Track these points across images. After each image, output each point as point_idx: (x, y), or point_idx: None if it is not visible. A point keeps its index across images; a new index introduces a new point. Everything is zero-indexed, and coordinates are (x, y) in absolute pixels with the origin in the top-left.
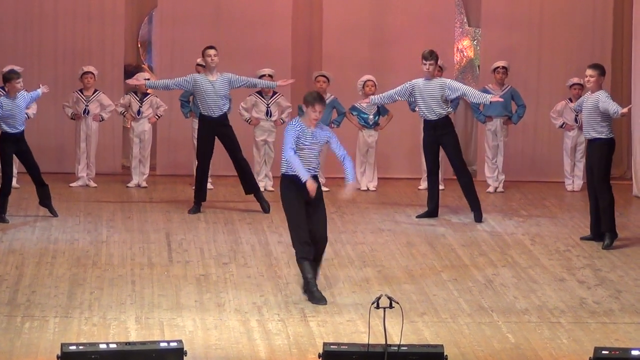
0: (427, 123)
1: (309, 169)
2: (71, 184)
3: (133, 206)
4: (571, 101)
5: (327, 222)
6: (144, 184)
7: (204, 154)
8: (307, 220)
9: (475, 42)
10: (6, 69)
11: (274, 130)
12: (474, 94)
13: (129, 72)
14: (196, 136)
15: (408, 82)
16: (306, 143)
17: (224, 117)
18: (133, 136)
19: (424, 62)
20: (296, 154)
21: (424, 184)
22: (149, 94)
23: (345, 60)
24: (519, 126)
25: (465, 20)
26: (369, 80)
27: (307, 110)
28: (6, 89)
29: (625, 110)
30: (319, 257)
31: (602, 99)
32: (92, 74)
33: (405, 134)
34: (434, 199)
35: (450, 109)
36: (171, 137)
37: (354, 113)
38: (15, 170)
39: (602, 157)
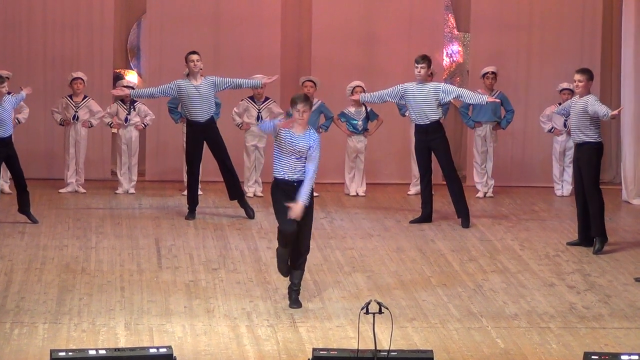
0: (418, 127)
1: (290, 175)
2: (60, 190)
3: (122, 212)
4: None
5: (311, 232)
6: (132, 190)
7: (192, 160)
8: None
9: (464, 47)
10: None
11: (264, 135)
12: (469, 95)
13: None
14: (185, 142)
15: (400, 85)
16: (285, 148)
17: (211, 121)
18: (121, 143)
19: (416, 65)
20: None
21: (413, 189)
22: (136, 101)
23: (334, 65)
24: (508, 131)
25: (454, 25)
26: (357, 86)
27: (292, 111)
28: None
29: (615, 112)
30: (297, 265)
31: (591, 102)
32: (82, 79)
33: (394, 140)
34: (429, 204)
35: (442, 114)
36: (160, 143)
37: (343, 119)
38: (8, 175)
39: (591, 161)
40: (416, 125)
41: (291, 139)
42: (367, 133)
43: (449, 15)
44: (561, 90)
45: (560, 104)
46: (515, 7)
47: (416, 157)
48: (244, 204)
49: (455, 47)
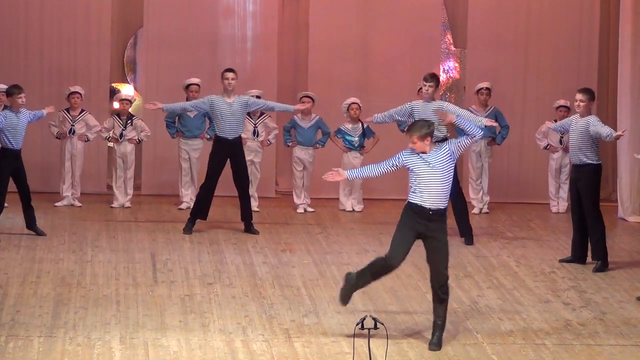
0: None
1: (435, 204)
2: (56, 204)
3: (118, 226)
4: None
5: (446, 259)
6: (127, 204)
7: (213, 175)
8: (427, 255)
9: (460, 63)
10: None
11: (260, 150)
12: (469, 117)
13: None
14: (209, 156)
15: (408, 103)
16: (421, 172)
17: (238, 140)
18: (116, 157)
19: (425, 83)
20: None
21: None
22: (133, 116)
23: (331, 81)
24: (503, 147)
25: (451, 41)
26: (353, 103)
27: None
28: (9, 104)
29: (620, 133)
30: (437, 297)
31: (593, 122)
32: (79, 94)
33: (390, 155)
34: None
35: (446, 132)
36: (156, 157)
37: (339, 135)
38: None
39: (591, 183)
40: None
41: (425, 159)
42: (363, 150)
43: (446, 31)
44: (557, 107)
45: (556, 120)
46: (512, 24)
47: None
48: (250, 227)
49: (452, 63)
